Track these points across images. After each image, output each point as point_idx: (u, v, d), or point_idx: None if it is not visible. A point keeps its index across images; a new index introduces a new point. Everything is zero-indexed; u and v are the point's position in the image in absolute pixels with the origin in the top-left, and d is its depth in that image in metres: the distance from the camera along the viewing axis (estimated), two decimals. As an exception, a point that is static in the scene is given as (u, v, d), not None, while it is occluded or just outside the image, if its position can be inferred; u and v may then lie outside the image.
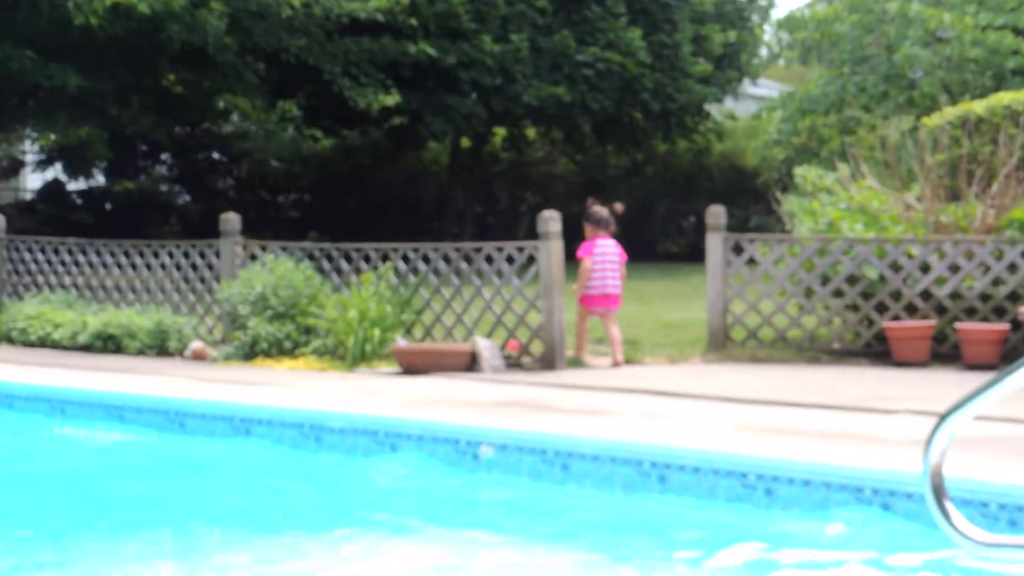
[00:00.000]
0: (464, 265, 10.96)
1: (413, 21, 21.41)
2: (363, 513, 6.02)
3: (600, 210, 10.85)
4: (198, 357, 11.24)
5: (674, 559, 5.17)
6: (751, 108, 29.24)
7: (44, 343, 12.10)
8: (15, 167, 27.14)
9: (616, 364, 10.29)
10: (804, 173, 12.38)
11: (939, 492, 2.24)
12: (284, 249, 11.96)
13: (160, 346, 11.64)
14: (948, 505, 2.24)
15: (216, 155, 27.88)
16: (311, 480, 6.93)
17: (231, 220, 12.18)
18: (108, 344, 11.81)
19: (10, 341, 12.40)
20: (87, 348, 11.81)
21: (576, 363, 10.45)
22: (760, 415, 7.48)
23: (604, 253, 10.69)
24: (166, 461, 7.52)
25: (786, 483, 5.77)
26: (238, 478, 7.05)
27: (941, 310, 10.36)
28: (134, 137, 25.52)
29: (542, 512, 6.08)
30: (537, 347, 10.45)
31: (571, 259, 10.94)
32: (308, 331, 10.94)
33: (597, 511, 6.03)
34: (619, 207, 11.14)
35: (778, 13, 28.81)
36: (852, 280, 10.57)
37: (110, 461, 7.60)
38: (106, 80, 19.33)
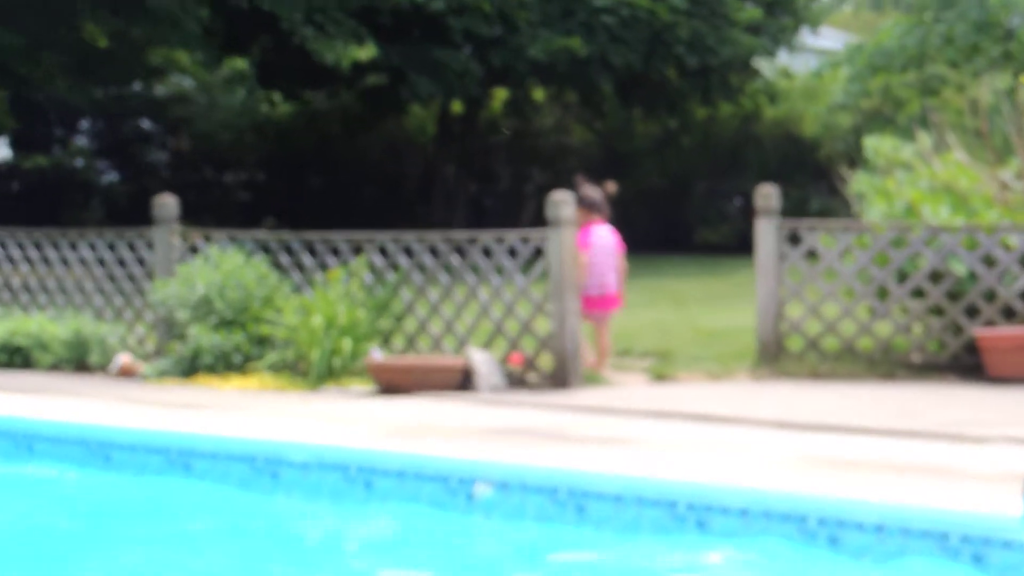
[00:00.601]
0: (456, 259, 10.96)
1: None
2: (329, 567, 6.01)
3: (593, 191, 10.93)
4: (126, 374, 11.24)
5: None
6: (811, 64, 29.18)
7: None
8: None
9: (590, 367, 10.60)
10: (876, 144, 12.36)
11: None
12: (233, 239, 11.95)
13: (79, 360, 11.63)
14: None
15: (148, 123, 27.91)
16: (265, 526, 6.92)
17: (167, 204, 12.19)
18: (14, 358, 11.79)
19: None
20: (-11, 362, 11.84)
21: (595, 379, 10.46)
22: (821, 445, 7.48)
23: (601, 244, 10.74)
24: (86, 502, 7.49)
25: (854, 528, 5.76)
26: (174, 523, 7.03)
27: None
28: (46, 102, 25.51)
29: (551, 565, 6.07)
30: (546, 361, 10.44)
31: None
32: (262, 342, 10.95)
33: (620, 562, 6.02)
34: (612, 187, 11.31)
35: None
36: (936, 277, 10.57)
37: (17, 502, 7.57)
38: (11, 33, 19.36)
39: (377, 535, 6.66)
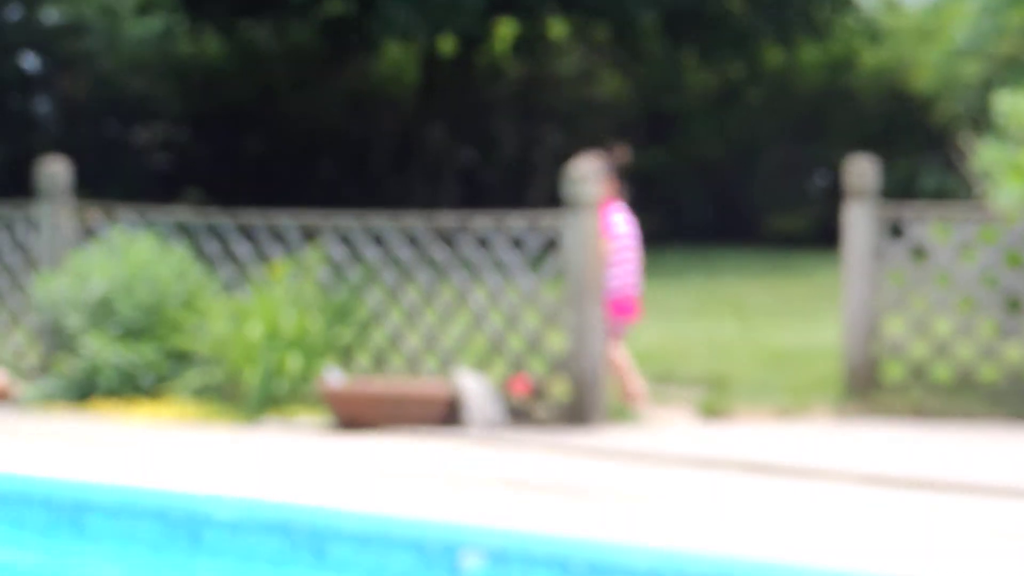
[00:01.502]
0: (442, 251, 11.01)
1: None
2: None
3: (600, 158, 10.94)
4: (-2, 397, 11.29)
5: None
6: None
7: None
8: None
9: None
10: (1012, 104, 12.41)
11: None
12: (143, 220, 12.00)
13: (-65, 379, 11.67)
14: None
15: (33, 61, 27.95)
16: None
17: (56, 172, 12.21)
18: None
19: None
20: None
21: (624, 415, 10.50)
22: (931, 508, 7.51)
23: (624, 233, 10.76)
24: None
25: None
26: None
27: None
28: None
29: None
30: (561, 388, 10.49)
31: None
32: (181, 358, 10.98)
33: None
34: (623, 153, 11.29)
35: None
36: (1088, 284, 10.63)
37: None
38: None
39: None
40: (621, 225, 10.82)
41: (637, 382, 10.68)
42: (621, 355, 10.70)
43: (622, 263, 10.74)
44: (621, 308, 10.60)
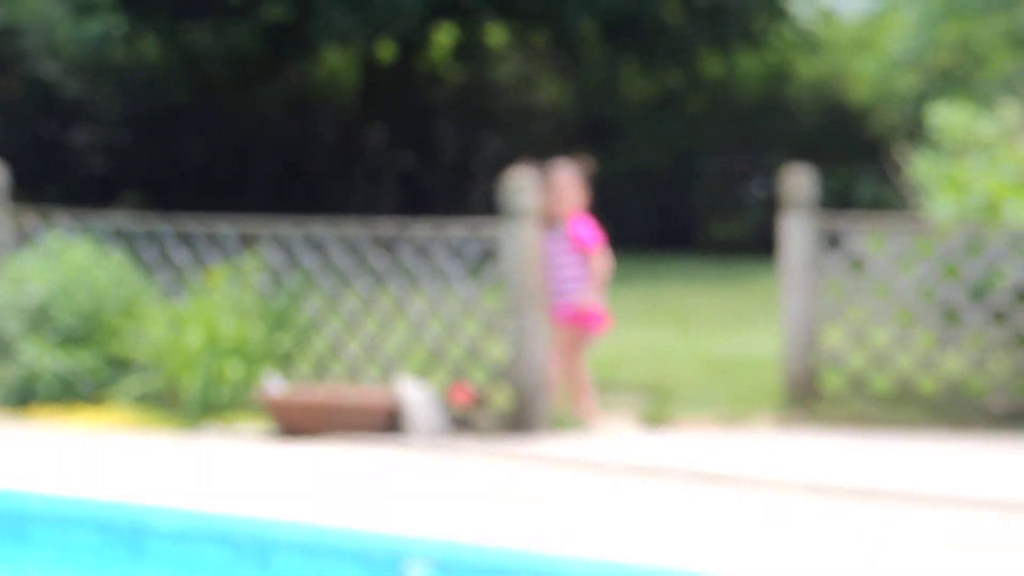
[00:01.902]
0: (381, 259, 11.00)
1: None
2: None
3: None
4: (-68, 404, 11.23)
5: None
6: (863, 6, 29.38)
7: None
8: None
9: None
10: (946, 116, 12.46)
11: None
12: (81, 225, 11.96)
13: None
14: None
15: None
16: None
17: (-7, 176, 12.20)
18: None
19: None
20: None
21: (566, 423, 10.50)
22: (875, 519, 7.54)
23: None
24: None
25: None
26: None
27: None
28: None
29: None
30: (502, 397, 10.50)
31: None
32: (120, 364, 10.95)
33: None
34: (587, 162, 11.15)
35: None
36: None
37: None
38: None
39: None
40: (551, 239, 10.72)
41: (591, 398, 10.63)
42: (583, 369, 10.66)
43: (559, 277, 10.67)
44: (585, 320, 10.57)
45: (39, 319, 11.03)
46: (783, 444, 10.03)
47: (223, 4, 23.12)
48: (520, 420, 10.35)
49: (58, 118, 28.08)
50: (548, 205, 10.58)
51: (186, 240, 11.64)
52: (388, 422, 10.17)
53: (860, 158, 23.66)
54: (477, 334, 10.65)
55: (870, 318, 11.06)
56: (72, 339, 11.00)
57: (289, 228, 11.35)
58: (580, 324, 10.56)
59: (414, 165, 27.49)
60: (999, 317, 10.78)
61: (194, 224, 11.68)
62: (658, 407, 10.80)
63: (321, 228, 11.30)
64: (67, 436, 10.00)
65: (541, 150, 24.82)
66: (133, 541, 7.48)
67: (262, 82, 27.39)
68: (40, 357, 10.86)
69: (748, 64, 26.90)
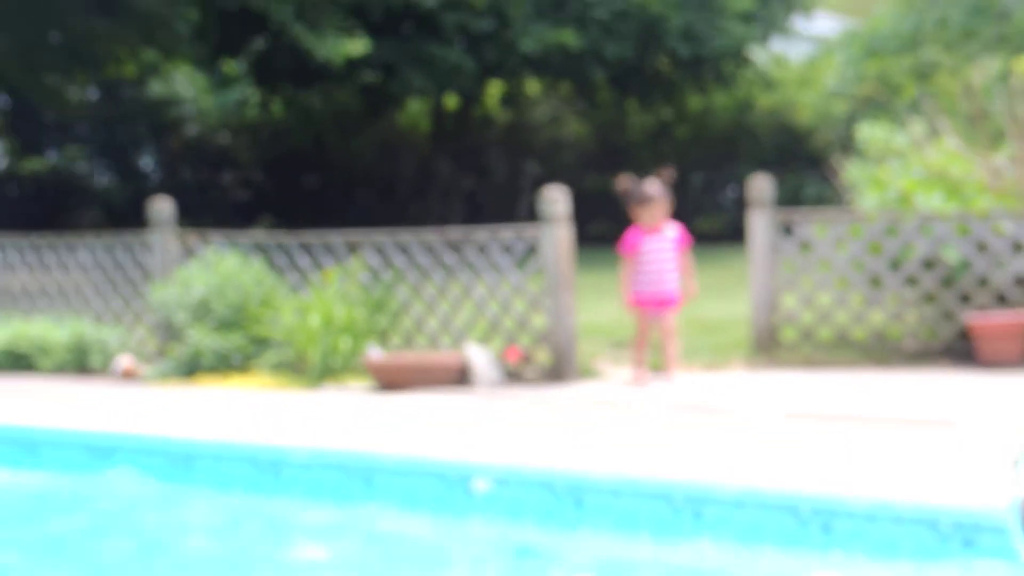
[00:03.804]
0: (451, 257, 11.06)
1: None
2: (325, 570, 6.10)
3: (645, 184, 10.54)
4: (127, 375, 11.34)
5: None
6: (805, 51, 29.19)
7: (-64, 363, 12.18)
8: None
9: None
10: (869, 133, 12.43)
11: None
12: (229, 241, 12.04)
13: (81, 363, 11.72)
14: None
15: (143, 128, 27.95)
16: (266, 524, 7.01)
17: (163, 207, 12.25)
18: (16, 363, 11.87)
19: None
20: (-10, 368, 11.93)
21: (590, 373, 10.54)
22: (817, 435, 7.56)
23: (649, 248, 10.47)
24: (89, 507, 7.58)
25: (846, 518, 5.86)
26: (176, 524, 7.13)
27: (1039, 299, 10.46)
28: (40, 106, 25.57)
29: (549, 558, 6.15)
30: (543, 355, 10.54)
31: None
32: (261, 342, 11.05)
33: (617, 555, 6.10)
34: (669, 174, 10.67)
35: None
36: (929, 264, 10.65)
37: (21, 506, 7.66)
38: (2, 38, 19.39)
39: (377, 529, 6.76)
40: (661, 241, 10.33)
41: (645, 356, 10.25)
42: (649, 332, 10.31)
43: (650, 271, 10.25)
44: (647, 302, 10.27)
45: (201, 311, 11.11)
46: (752, 381, 10.02)
47: (329, 73, 23.10)
48: (556, 372, 10.39)
49: (209, 164, 28.26)
50: (646, 216, 10.21)
51: (307, 249, 11.70)
52: (459, 377, 10.23)
53: (806, 167, 23.60)
54: (524, 310, 10.67)
55: (816, 286, 11.05)
56: (225, 325, 11.08)
57: (383, 237, 11.39)
58: (665, 304, 10.25)
59: (473, 186, 27.50)
60: (911, 281, 10.78)
61: (312, 237, 11.73)
62: (658, 358, 10.80)
63: (406, 236, 11.33)
64: (224, 395, 10.07)
65: (568, 172, 24.92)
66: (274, 471, 7.55)
67: (359, 129, 27.42)
68: (202, 339, 10.95)
69: (721, 100, 26.79)
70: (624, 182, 10.41)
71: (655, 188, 10.36)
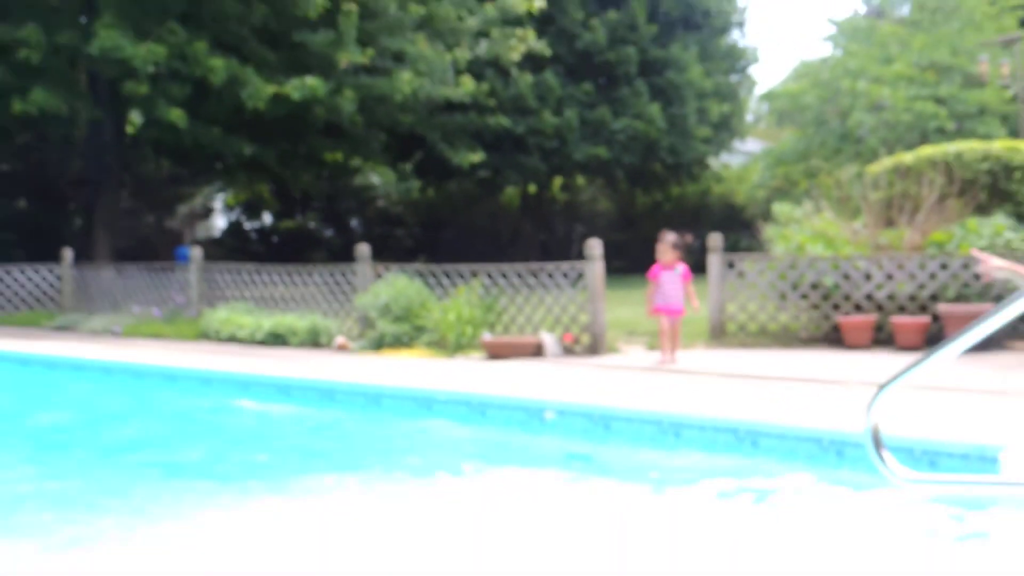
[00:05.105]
0: (531, 279, 11.03)
1: (492, 102, 21.61)
2: (454, 459, 6.07)
3: (673, 238, 9.71)
4: (341, 348, 11.34)
5: (685, 494, 5.22)
6: (740, 160, 29.02)
7: (232, 340, 12.28)
8: (208, 212, 27.70)
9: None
10: (779, 208, 12.32)
11: (877, 442, 2.25)
12: (401, 269, 12.08)
13: (314, 341, 11.76)
14: (884, 453, 2.25)
15: (352, 202, 28.22)
16: (424, 441, 6.97)
17: (363, 249, 12.33)
18: (277, 340, 11.97)
19: (207, 338, 12.66)
20: (262, 343, 11.96)
21: (614, 349, 10.47)
22: (749, 387, 7.49)
23: (668, 279, 9.64)
24: (318, 427, 7.60)
25: (766, 436, 5.81)
26: (372, 438, 7.12)
27: (880, 308, 10.30)
28: (293, 189, 25.91)
29: (591, 461, 6.13)
30: (585, 338, 10.50)
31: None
32: (420, 329, 11.02)
33: (633, 461, 6.07)
34: (687, 238, 9.78)
35: (760, 89, 28.81)
36: (815, 286, 10.53)
37: (280, 427, 7.69)
38: (271, 148, 19.72)
39: (488, 437, 6.69)
40: (673, 274, 9.51)
41: (669, 345, 9.46)
42: (677, 331, 9.57)
43: (666, 292, 9.49)
44: (665, 311, 9.48)
45: (385, 310, 11.14)
46: (709, 356, 9.93)
47: (460, 171, 23.29)
48: (594, 348, 10.33)
49: (390, 224, 28.36)
50: (664, 257, 9.44)
51: (447, 275, 11.70)
52: (536, 351, 10.18)
53: (741, 228, 23.35)
54: (575, 311, 10.60)
55: (747, 299, 10.95)
56: (399, 319, 11.09)
57: (491, 268, 11.36)
58: (674, 313, 9.52)
59: (545, 239, 27.49)
60: (804, 296, 10.64)
61: (449, 268, 11.73)
62: (653, 341, 10.74)
63: (505, 267, 11.30)
64: (399, 360, 10.09)
65: (601, 231, 24.70)
66: (426, 405, 7.53)
67: (479, 203, 27.47)
68: (385, 327, 10.97)
69: (691, 188, 26.61)
70: (664, 232, 9.82)
71: (672, 239, 9.70)
